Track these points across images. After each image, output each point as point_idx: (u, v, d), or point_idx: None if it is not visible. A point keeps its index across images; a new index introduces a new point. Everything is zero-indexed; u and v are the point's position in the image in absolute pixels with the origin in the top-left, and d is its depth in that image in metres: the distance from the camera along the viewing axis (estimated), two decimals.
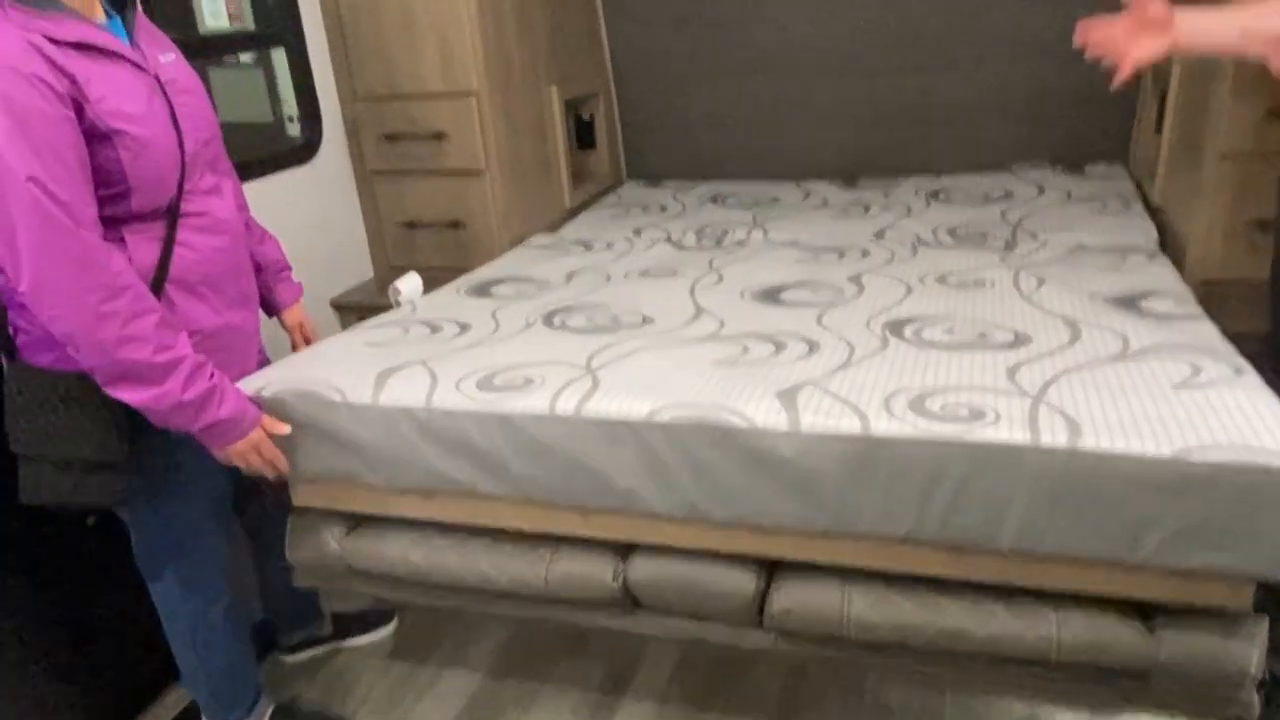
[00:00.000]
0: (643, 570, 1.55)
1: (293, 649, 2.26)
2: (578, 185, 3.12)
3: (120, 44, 1.47)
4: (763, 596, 1.50)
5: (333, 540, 1.73)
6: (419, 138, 2.60)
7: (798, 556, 1.47)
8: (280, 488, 1.74)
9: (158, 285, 1.50)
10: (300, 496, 1.73)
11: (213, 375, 1.50)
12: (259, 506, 1.91)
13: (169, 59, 1.57)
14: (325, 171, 2.65)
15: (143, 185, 1.46)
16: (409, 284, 2.20)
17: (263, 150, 2.47)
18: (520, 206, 2.74)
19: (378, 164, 2.70)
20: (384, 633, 2.33)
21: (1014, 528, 1.31)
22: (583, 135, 3.27)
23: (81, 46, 1.39)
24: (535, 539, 1.63)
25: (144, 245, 1.49)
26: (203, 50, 2.40)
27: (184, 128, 1.53)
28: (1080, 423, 1.28)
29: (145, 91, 1.47)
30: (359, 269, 2.82)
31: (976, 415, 1.32)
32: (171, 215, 1.52)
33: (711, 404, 1.42)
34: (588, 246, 2.57)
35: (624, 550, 1.59)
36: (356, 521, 1.75)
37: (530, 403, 1.49)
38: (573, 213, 3.02)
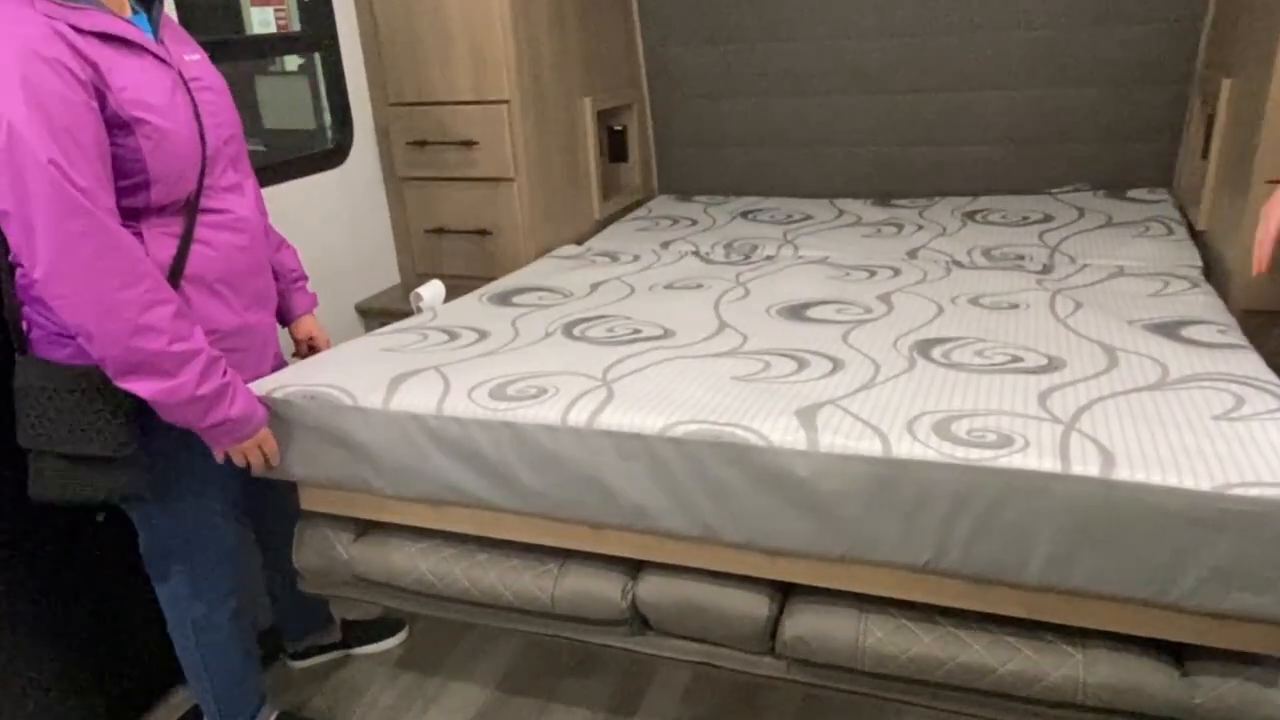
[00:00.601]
0: (652, 590, 1.50)
1: (301, 655, 2.24)
2: (608, 197, 3.09)
3: (145, 37, 1.47)
4: (775, 622, 1.45)
5: (340, 547, 1.70)
6: (449, 144, 2.59)
7: (813, 581, 1.42)
8: (290, 491, 1.72)
9: (173, 282, 1.49)
10: (309, 501, 1.71)
11: (226, 372, 1.48)
12: (269, 509, 1.88)
13: (194, 58, 1.57)
14: (355, 176, 2.64)
15: (163, 177, 1.45)
16: (430, 290, 2.18)
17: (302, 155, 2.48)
18: (548, 217, 2.72)
19: (407, 170, 2.69)
20: (393, 641, 2.30)
21: (1041, 561, 1.24)
22: (615, 148, 3.25)
23: (105, 37, 1.40)
24: (544, 553, 1.59)
25: (161, 240, 1.48)
26: (237, 52, 2.40)
27: (206, 124, 1.53)
28: (1114, 452, 1.21)
29: (168, 84, 1.47)
30: (386, 274, 2.81)
31: (1005, 441, 1.27)
32: (190, 211, 1.51)
33: (728, 420, 1.37)
34: (614, 258, 2.54)
35: (634, 568, 1.54)
36: (365, 528, 1.73)
37: (542, 413, 1.46)
38: (602, 225, 3.00)
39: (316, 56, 2.57)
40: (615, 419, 1.42)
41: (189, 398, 1.43)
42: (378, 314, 2.68)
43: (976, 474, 1.24)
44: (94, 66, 1.36)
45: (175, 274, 1.49)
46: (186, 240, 1.50)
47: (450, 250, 2.74)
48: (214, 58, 2.15)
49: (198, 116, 1.51)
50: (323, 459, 1.62)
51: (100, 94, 1.37)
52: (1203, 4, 2.61)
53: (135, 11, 1.51)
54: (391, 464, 1.56)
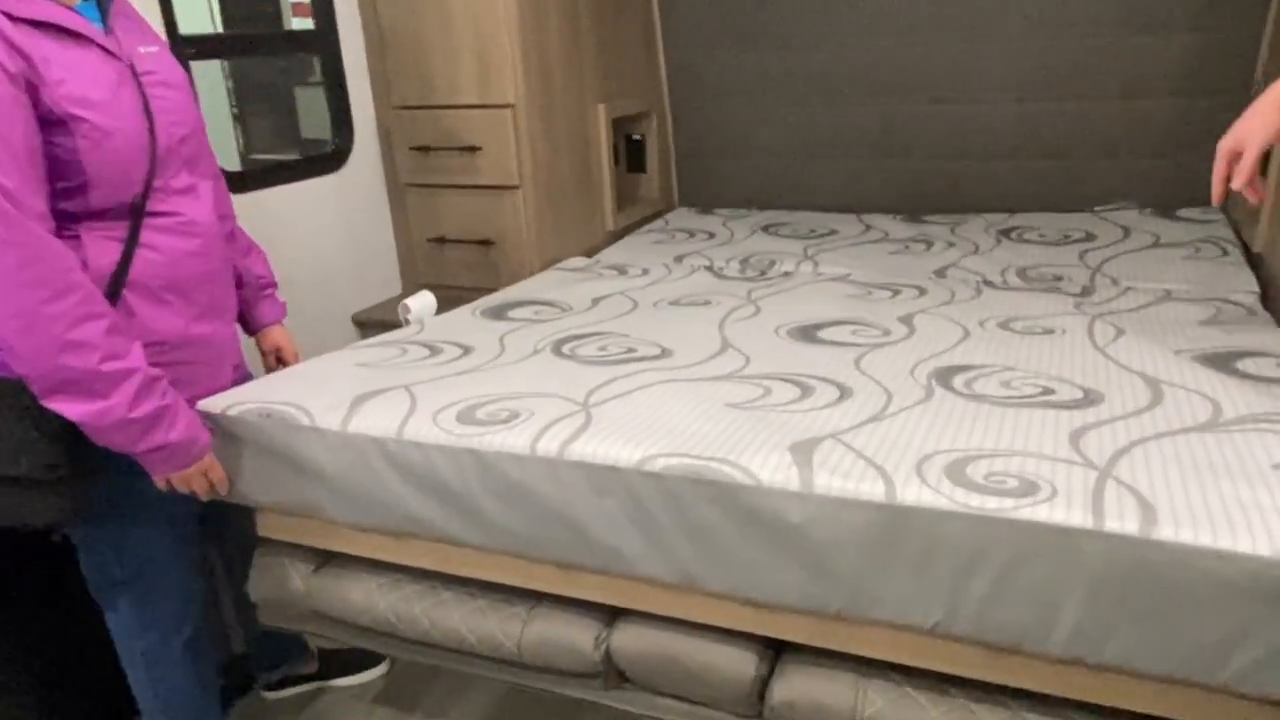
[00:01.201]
0: (628, 641, 1.34)
1: (275, 686, 2.11)
2: (623, 209, 2.95)
3: (90, 27, 1.35)
4: (764, 684, 1.28)
5: (297, 579, 1.57)
6: (451, 150, 2.47)
7: (807, 640, 1.26)
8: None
9: (115, 289, 1.37)
10: (265, 527, 1.58)
11: (165, 393, 1.36)
12: (231, 532, 1.76)
13: (150, 50, 1.46)
14: (355, 181, 2.53)
15: (103, 179, 1.33)
16: (420, 302, 2.05)
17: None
18: (556, 227, 2.58)
19: (410, 176, 2.57)
20: (374, 674, 2.16)
21: (1067, 630, 1.07)
22: (633, 157, 3.11)
23: (44, 26, 1.28)
24: (513, 594, 1.44)
25: (102, 245, 1.36)
26: (224, 50, 2.30)
27: (159, 122, 1.41)
28: (1156, 506, 1.04)
29: (113, 79, 1.35)
30: (387, 284, 2.69)
31: (1029, 489, 1.10)
32: (136, 214, 1.39)
33: (713, 454, 1.21)
34: (622, 271, 2.39)
35: (611, 615, 1.39)
36: (326, 559, 1.59)
37: (509, 440, 1.31)
38: (616, 237, 2.85)
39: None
40: (589, 449, 1.27)
41: (121, 420, 1.30)
42: (375, 326, 2.55)
43: (994, 526, 1.07)
44: (27, 59, 1.25)
45: (117, 280, 1.37)
46: (131, 245, 1.38)
47: (453, 260, 2.61)
48: (199, 56, 2.09)
49: (149, 114, 1.39)
50: (277, 483, 1.49)
51: (33, 88, 1.25)
52: (1262, 11, 2.41)
53: None
54: (348, 490, 1.43)
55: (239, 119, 3.58)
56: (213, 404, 1.49)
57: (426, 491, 1.37)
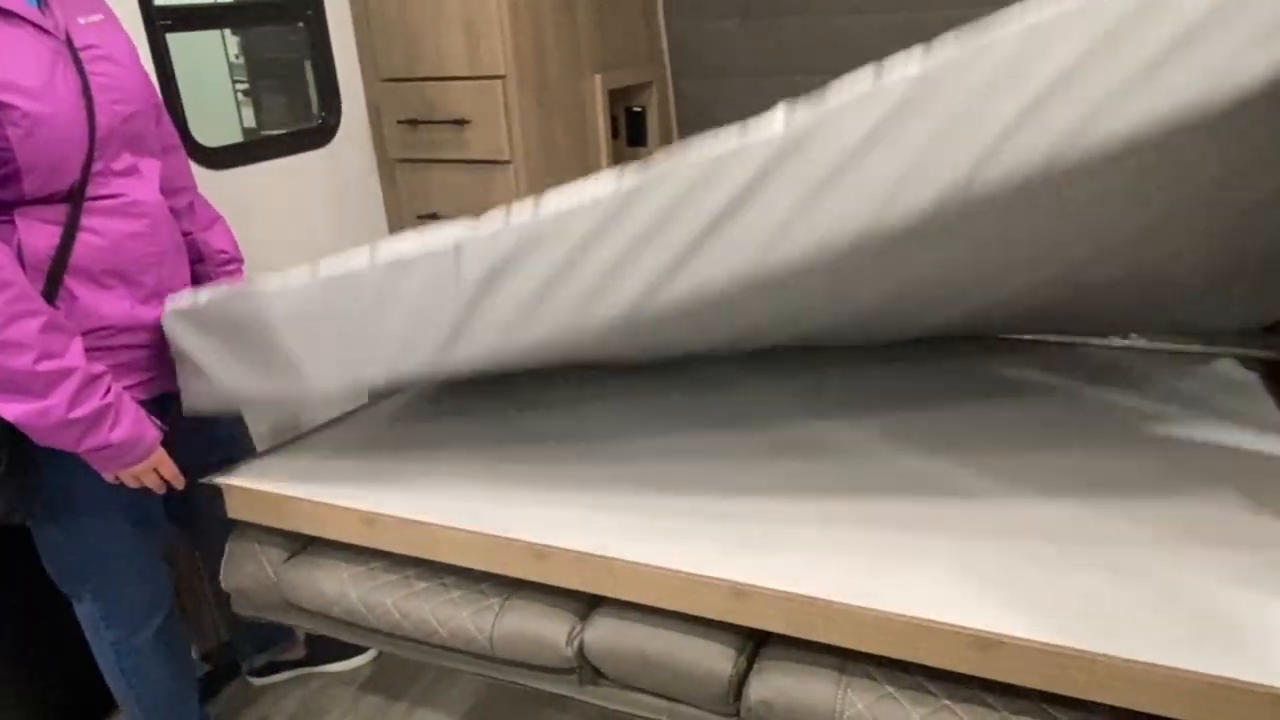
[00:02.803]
0: (603, 635, 1.29)
1: (260, 671, 2.07)
2: None
3: (19, 3, 1.27)
4: (741, 682, 1.22)
5: (269, 568, 1.52)
6: (440, 124, 2.40)
7: (788, 630, 1.19)
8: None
9: (55, 275, 1.31)
10: (234, 507, 1.53)
11: (108, 391, 1.31)
12: (202, 515, 1.70)
13: (92, 19, 1.38)
14: (344, 157, 2.47)
15: (36, 167, 1.27)
16: None
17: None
18: None
19: (399, 150, 2.51)
20: (362, 660, 2.13)
21: None
22: (634, 131, 3.02)
23: None
24: (489, 582, 1.39)
25: (39, 229, 1.31)
26: (201, 21, 2.23)
27: (99, 101, 1.34)
28: None
29: (48, 59, 1.28)
30: None
31: None
32: (75, 199, 1.33)
33: None
34: None
35: (588, 605, 1.34)
36: (299, 545, 1.54)
37: None
38: None
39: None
40: None
41: (60, 421, 1.26)
42: None
43: None
44: None
45: (57, 266, 1.32)
46: (71, 229, 1.33)
47: None
48: (176, 28, 2.02)
49: (87, 94, 1.32)
50: (245, 380, 1.43)
51: None
52: None
53: None
54: (331, 340, 1.37)
55: (249, 93, 3.52)
56: (177, 301, 1.45)
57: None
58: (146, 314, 1.44)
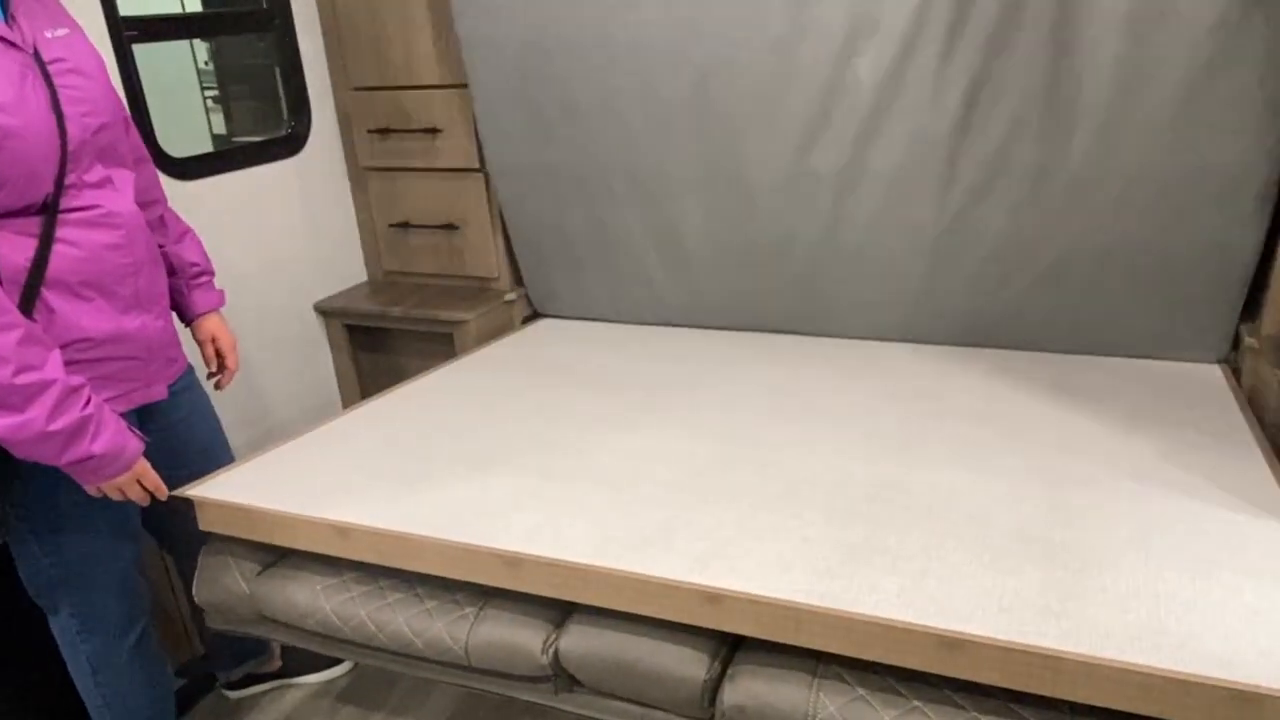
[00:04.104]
0: (577, 643, 1.30)
1: (236, 684, 2.06)
2: None
3: None
4: (715, 686, 1.24)
5: (241, 581, 1.52)
6: (411, 132, 2.40)
7: (760, 633, 1.20)
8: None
9: (32, 288, 1.30)
10: (206, 520, 1.52)
11: (88, 403, 1.30)
12: (178, 528, 1.69)
13: (59, 34, 1.37)
14: (314, 166, 2.46)
15: (9, 180, 1.27)
16: None
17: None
18: None
19: (370, 159, 2.50)
20: (336, 672, 2.12)
21: None
22: None
23: None
24: (464, 592, 1.39)
25: (14, 241, 1.30)
26: (172, 31, 2.23)
27: (68, 113, 1.33)
28: None
29: (16, 73, 1.28)
30: (351, 272, 2.63)
31: None
32: (49, 211, 1.32)
33: None
34: None
35: (561, 614, 1.34)
36: (273, 558, 1.54)
37: None
38: None
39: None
40: None
41: (40, 434, 1.25)
42: (339, 314, 2.50)
43: None
44: None
45: (34, 278, 1.31)
46: (46, 241, 1.32)
47: (417, 246, 2.55)
48: (143, 39, 2.01)
49: (57, 108, 1.32)
50: None
51: None
52: None
53: None
54: None
55: (219, 100, 3.50)
56: None
57: None
58: (125, 325, 1.44)
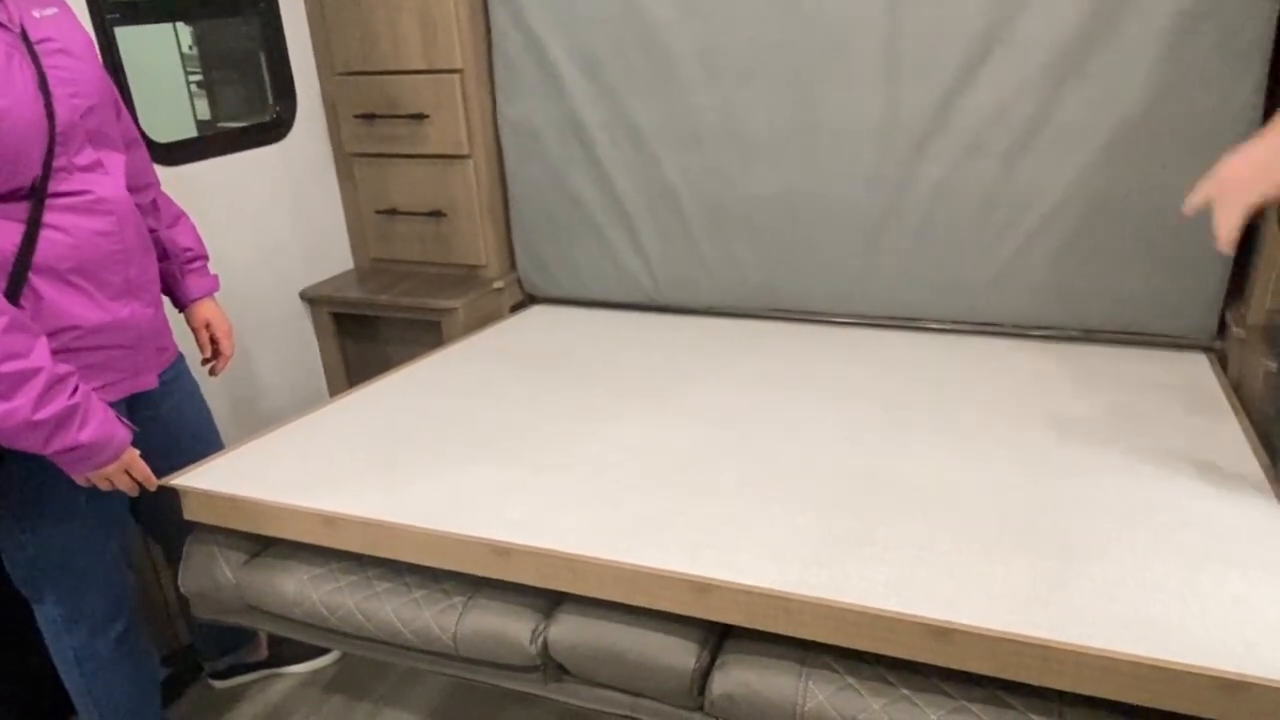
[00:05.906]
0: (566, 633, 1.29)
1: (223, 674, 2.06)
2: None
3: None
4: (704, 676, 1.24)
5: (227, 570, 1.51)
6: (398, 118, 2.38)
7: (749, 623, 1.20)
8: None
9: (19, 274, 1.29)
10: (191, 509, 1.51)
11: (75, 391, 1.29)
12: (168, 518, 1.68)
13: (47, 13, 1.35)
14: (299, 152, 2.44)
15: None
16: None
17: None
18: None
19: (356, 145, 2.48)
20: (325, 660, 2.12)
21: None
22: None
23: None
24: (452, 581, 1.39)
25: (2, 227, 1.28)
26: (146, 15, 2.19)
27: (57, 95, 1.31)
28: None
29: (3, 52, 1.26)
30: (338, 259, 2.61)
31: None
32: (37, 196, 1.31)
33: None
34: None
35: (550, 604, 1.34)
36: (260, 547, 1.53)
37: None
38: None
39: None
40: None
41: (25, 422, 1.23)
42: (325, 301, 2.49)
43: None
44: None
45: (21, 265, 1.29)
46: (34, 226, 1.30)
47: (404, 233, 2.53)
48: (125, 21, 1.98)
49: (45, 88, 1.29)
50: None
51: None
52: None
53: None
54: None
55: (203, 85, 3.46)
56: None
57: None
58: (115, 313, 1.42)
